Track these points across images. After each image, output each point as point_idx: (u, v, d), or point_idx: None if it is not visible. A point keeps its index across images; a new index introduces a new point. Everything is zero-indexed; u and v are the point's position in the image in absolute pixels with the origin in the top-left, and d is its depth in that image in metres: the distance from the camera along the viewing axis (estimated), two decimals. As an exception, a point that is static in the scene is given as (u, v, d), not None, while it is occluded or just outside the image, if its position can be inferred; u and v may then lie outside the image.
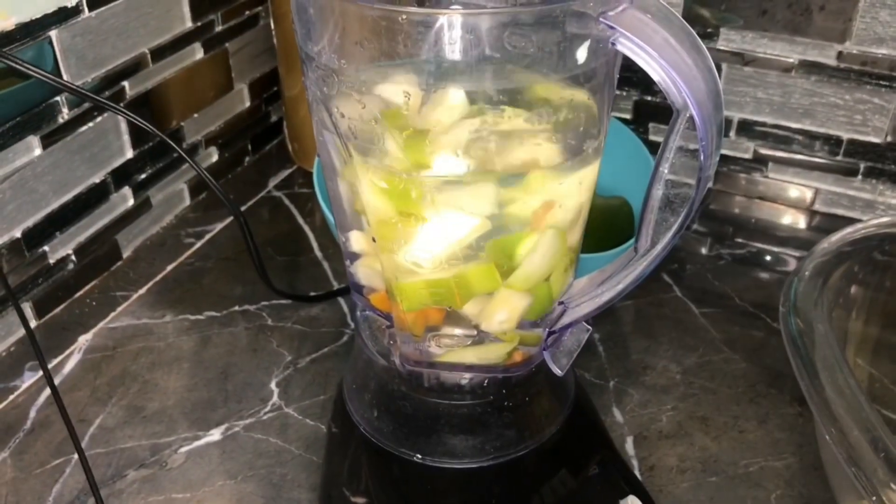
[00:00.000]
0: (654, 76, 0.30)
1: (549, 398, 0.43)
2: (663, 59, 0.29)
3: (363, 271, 0.39)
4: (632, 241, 0.58)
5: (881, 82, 0.67)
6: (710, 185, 0.32)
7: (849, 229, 0.48)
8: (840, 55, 0.68)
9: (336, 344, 0.61)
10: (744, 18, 0.69)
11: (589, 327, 0.39)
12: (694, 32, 0.30)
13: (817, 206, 0.75)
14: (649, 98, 0.76)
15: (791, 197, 0.75)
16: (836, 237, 0.46)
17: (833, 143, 0.72)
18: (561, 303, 0.38)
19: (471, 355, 0.38)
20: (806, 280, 0.44)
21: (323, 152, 0.36)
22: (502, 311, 0.37)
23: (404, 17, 0.28)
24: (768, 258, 0.70)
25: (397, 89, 0.30)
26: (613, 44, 0.30)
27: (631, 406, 0.56)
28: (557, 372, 0.38)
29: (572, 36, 0.29)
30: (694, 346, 0.61)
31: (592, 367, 0.59)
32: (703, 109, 0.30)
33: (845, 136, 0.71)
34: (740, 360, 0.60)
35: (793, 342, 0.41)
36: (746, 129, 0.74)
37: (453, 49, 0.28)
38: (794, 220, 0.75)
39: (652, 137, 0.78)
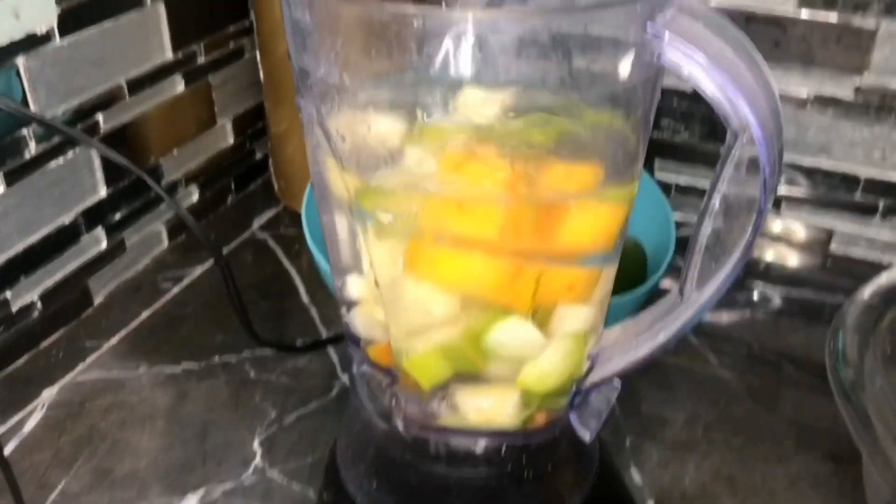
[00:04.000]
0: (708, 92, 0.26)
1: (573, 466, 0.38)
2: (720, 72, 0.25)
3: (362, 320, 0.34)
4: (647, 285, 0.54)
5: (902, 117, 0.64)
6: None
7: (893, 272, 0.44)
8: (858, 89, 0.64)
9: (325, 398, 0.56)
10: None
11: (618, 384, 0.34)
12: (751, 44, 0.26)
13: (834, 248, 0.71)
14: (655, 134, 0.72)
15: (806, 238, 0.72)
16: (881, 280, 0.42)
17: (850, 180, 0.68)
18: (589, 356, 0.33)
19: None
20: (852, 328, 0.40)
21: (318, 184, 0.31)
22: (484, 399, 0.32)
23: (420, 20, 0.24)
24: (785, 302, 0.66)
25: (409, 108, 0.26)
26: (660, 56, 0.26)
27: (650, 466, 0.51)
28: (585, 437, 0.33)
29: (615, 44, 0.25)
30: (713, 398, 0.56)
31: (606, 422, 0.54)
32: (765, 131, 0.25)
33: (863, 173, 0.67)
34: (764, 412, 0.55)
35: (844, 395, 0.37)
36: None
37: (478, 58, 0.24)
38: (810, 261, 0.71)
39: (658, 175, 0.74)
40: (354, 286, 0.34)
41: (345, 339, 0.59)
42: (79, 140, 0.55)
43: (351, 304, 0.34)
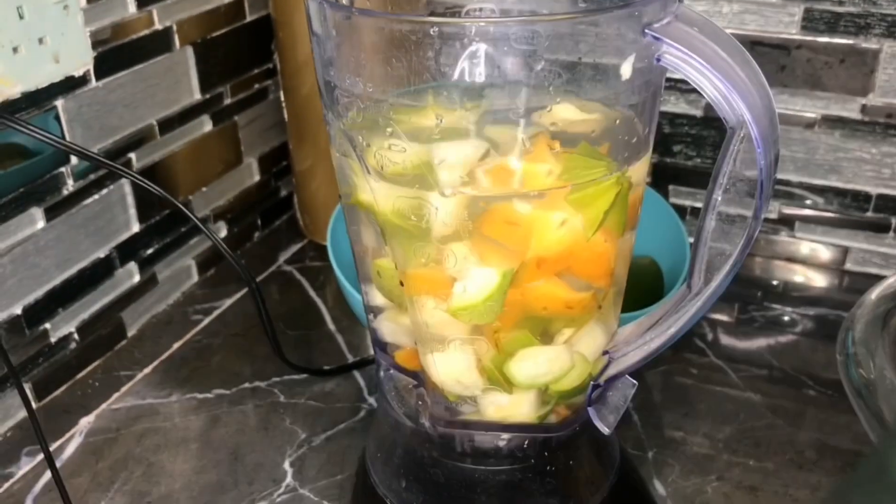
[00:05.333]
0: (706, 90, 0.27)
1: (593, 462, 0.39)
2: (716, 72, 0.27)
3: (387, 326, 0.36)
4: (663, 300, 0.55)
5: (909, 134, 0.66)
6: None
7: (898, 276, 0.45)
8: (864, 108, 0.66)
9: (353, 419, 0.57)
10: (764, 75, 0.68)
11: (634, 382, 0.36)
12: (742, 46, 0.28)
13: (849, 266, 0.72)
14: (668, 160, 0.74)
15: (821, 257, 0.73)
16: (889, 282, 0.43)
17: (862, 199, 0.69)
18: (606, 352, 0.35)
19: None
20: (862, 330, 0.41)
21: (345, 194, 0.33)
22: (503, 396, 0.33)
23: (435, 29, 0.26)
24: (802, 320, 0.67)
25: (429, 113, 0.28)
26: (659, 59, 0.28)
27: (673, 478, 0.52)
28: (604, 430, 0.35)
29: (616, 47, 0.27)
30: (734, 413, 0.57)
31: (629, 437, 0.55)
32: (760, 126, 0.27)
33: (874, 191, 0.69)
34: (784, 425, 0.56)
35: (857, 394, 0.38)
36: (770, 187, 0.71)
37: (491, 64, 0.26)
38: (826, 280, 0.72)
39: (672, 200, 0.75)
40: (380, 293, 0.35)
41: (371, 362, 0.61)
42: (119, 174, 0.57)
43: (377, 311, 0.36)
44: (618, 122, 0.30)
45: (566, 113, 0.30)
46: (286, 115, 0.75)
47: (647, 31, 0.27)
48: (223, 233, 0.75)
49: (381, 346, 0.37)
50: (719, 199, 0.29)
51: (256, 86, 0.75)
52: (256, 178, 0.78)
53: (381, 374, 0.37)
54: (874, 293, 0.43)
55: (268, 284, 0.73)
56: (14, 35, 0.52)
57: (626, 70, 0.28)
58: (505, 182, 0.29)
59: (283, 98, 0.74)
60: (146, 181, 0.51)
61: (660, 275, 0.61)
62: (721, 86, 0.27)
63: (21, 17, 0.52)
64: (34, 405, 0.59)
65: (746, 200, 0.29)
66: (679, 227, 0.63)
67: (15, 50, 0.52)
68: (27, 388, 0.58)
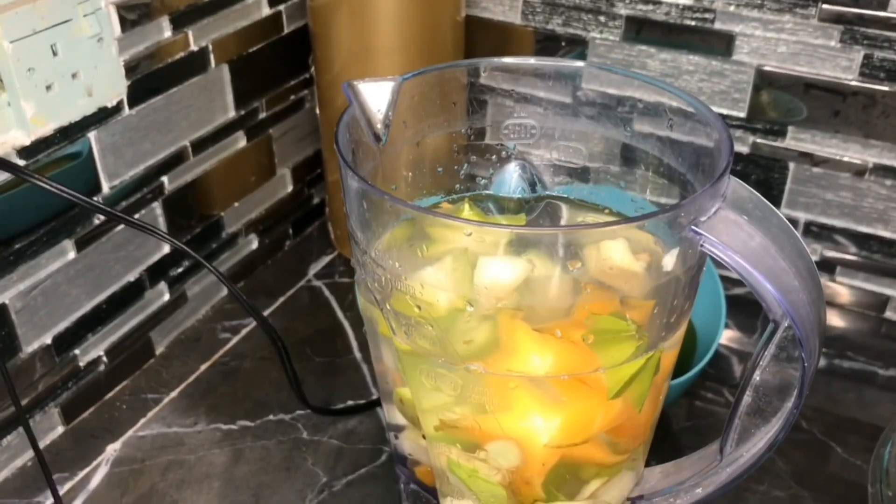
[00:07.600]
0: (750, 283, 0.26)
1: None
2: (760, 271, 0.25)
3: (409, 444, 0.35)
4: (697, 368, 0.54)
5: (964, 192, 0.63)
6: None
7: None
8: (919, 161, 0.64)
9: (374, 464, 0.57)
10: (815, 119, 0.65)
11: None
12: (796, 233, 0.26)
13: (889, 314, 0.70)
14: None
15: (861, 303, 0.71)
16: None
17: (908, 250, 0.67)
18: (629, 499, 0.34)
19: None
20: (896, 450, 0.40)
21: (368, 322, 0.33)
22: None
23: (469, 232, 0.25)
24: (839, 369, 0.65)
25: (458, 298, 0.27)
26: (702, 245, 0.26)
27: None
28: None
29: (660, 246, 0.26)
30: (758, 479, 0.57)
31: None
32: (804, 324, 0.26)
33: (922, 244, 0.66)
34: (808, 498, 0.55)
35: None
36: (813, 231, 0.69)
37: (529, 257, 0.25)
38: (865, 327, 0.70)
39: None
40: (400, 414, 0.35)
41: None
42: (121, 220, 0.58)
43: (398, 429, 0.36)
44: (655, 310, 0.29)
45: (616, 252, 0.28)
46: (321, 126, 0.73)
47: (692, 227, 0.26)
48: (254, 245, 0.74)
49: (401, 460, 0.37)
50: (757, 378, 0.28)
51: (292, 97, 0.74)
52: (290, 188, 0.77)
53: (401, 486, 0.37)
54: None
55: (296, 300, 0.73)
56: (47, 73, 0.51)
57: (668, 262, 0.27)
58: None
59: (318, 109, 0.73)
60: (151, 227, 0.53)
61: (694, 335, 0.59)
62: (765, 283, 0.26)
63: (55, 53, 0.51)
64: (62, 429, 0.60)
65: (787, 381, 0.28)
66: (714, 277, 0.61)
67: (48, 88, 0.52)
68: (55, 412, 0.59)
